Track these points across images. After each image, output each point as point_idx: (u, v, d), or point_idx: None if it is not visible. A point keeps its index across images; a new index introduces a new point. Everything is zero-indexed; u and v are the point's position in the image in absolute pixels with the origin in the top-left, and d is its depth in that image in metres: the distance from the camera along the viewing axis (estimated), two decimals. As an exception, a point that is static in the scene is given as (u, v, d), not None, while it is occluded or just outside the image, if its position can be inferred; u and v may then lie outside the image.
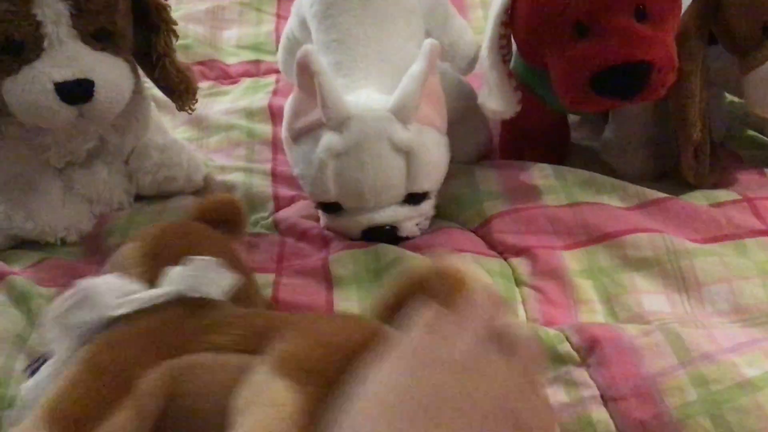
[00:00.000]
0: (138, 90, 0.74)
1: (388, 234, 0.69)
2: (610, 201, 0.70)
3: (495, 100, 0.72)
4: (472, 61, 0.86)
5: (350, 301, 0.63)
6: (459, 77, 0.81)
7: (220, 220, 0.59)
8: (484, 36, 0.72)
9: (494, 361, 0.33)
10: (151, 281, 0.47)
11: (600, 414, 0.51)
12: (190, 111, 0.77)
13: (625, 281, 0.62)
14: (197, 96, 0.77)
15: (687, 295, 0.61)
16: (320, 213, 0.72)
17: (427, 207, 0.70)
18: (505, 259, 0.67)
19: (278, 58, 0.90)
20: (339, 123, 0.65)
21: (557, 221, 0.68)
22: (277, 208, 0.78)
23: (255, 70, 1.07)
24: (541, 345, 0.36)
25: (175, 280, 0.45)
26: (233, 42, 1.13)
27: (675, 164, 0.74)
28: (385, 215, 0.68)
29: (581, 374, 0.53)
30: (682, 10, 0.68)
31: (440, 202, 0.73)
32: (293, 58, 0.83)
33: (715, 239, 0.65)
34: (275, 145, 0.88)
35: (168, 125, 0.89)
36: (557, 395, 0.52)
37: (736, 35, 0.68)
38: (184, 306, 0.45)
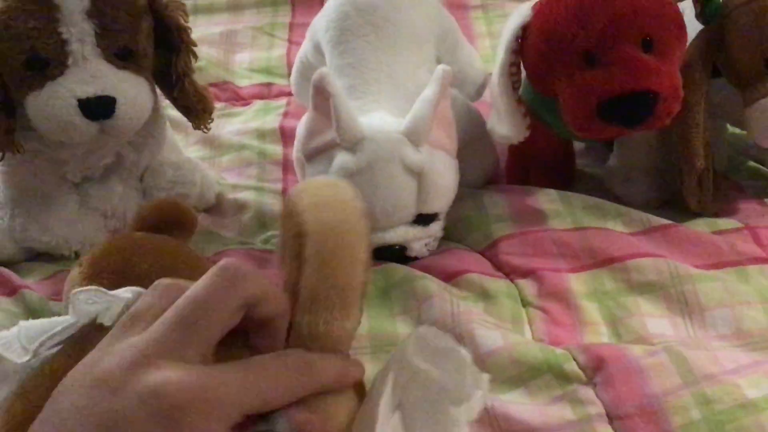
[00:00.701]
0: (155, 108, 0.76)
1: (398, 254, 0.70)
2: (615, 226, 0.72)
3: (504, 126, 0.74)
4: (481, 88, 0.88)
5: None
6: (468, 103, 0.83)
7: (166, 225, 0.60)
8: (495, 63, 0.75)
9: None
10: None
11: (605, 432, 0.52)
12: (206, 130, 0.79)
13: (630, 304, 0.64)
14: (213, 116, 0.79)
15: (690, 319, 0.62)
16: (331, 232, 0.74)
17: (436, 228, 0.72)
18: (512, 281, 0.68)
19: (291, 81, 0.93)
20: (352, 144, 0.67)
21: (563, 245, 0.70)
22: (288, 227, 0.80)
23: (266, 92, 1.09)
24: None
25: (70, 311, 0.42)
26: (245, 65, 1.15)
27: (678, 192, 0.75)
28: (395, 235, 0.69)
29: (587, 393, 0.54)
30: (687, 43, 0.70)
31: (448, 224, 0.74)
32: (306, 81, 0.86)
33: (717, 265, 0.67)
34: (286, 166, 0.90)
35: (180, 144, 0.91)
36: (564, 413, 0.53)
37: (739, 68, 0.70)
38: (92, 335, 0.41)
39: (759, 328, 0.60)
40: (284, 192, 0.85)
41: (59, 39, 0.65)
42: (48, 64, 0.66)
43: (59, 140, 0.70)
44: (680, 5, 0.70)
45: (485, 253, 0.72)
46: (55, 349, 0.40)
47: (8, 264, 0.73)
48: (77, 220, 0.76)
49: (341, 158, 0.67)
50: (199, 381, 0.30)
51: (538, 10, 0.69)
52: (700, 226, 0.72)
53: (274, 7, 1.29)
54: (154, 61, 0.74)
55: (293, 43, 1.19)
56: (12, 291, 0.68)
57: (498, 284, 0.67)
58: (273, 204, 0.83)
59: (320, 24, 0.81)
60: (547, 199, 0.75)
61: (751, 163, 0.84)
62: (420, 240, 0.71)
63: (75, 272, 0.54)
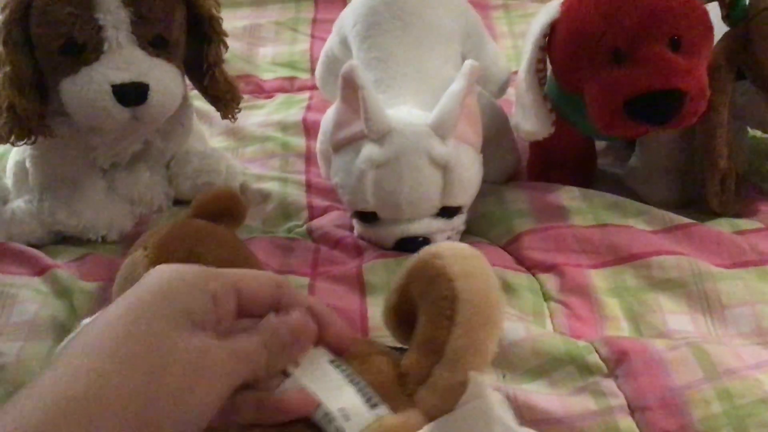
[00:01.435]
0: (184, 97, 0.77)
1: (421, 245, 0.68)
2: (637, 224, 0.72)
3: (530, 122, 0.74)
4: (504, 86, 0.89)
5: (381, 308, 0.65)
6: (492, 100, 0.84)
7: (220, 214, 0.61)
8: (522, 60, 0.75)
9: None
10: None
11: (627, 423, 0.52)
12: (233, 120, 0.80)
13: (651, 301, 0.64)
14: (241, 105, 0.80)
15: (711, 316, 0.63)
16: (354, 222, 0.75)
17: (459, 221, 0.73)
18: (534, 275, 0.69)
19: (317, 75, 0.94)
20: (380, 135, 0.68)
21: (585, 241, 0.71)
22: (311, 218, 0.81)
23: (289, 86, 1.11)
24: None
25: None
26: (269, 59, 1.16)
27: (699, 193, 0.76)
28: (419, 227, 0.70)
29: (609, 384, 0.55)
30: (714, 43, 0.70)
31: (470, 219, 0.75)
32: (331, 75, 0.87)
33: (738, 264, 0.67)
34: (309, 157, 0.91)
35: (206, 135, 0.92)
36: (586, 403, 0.54)
37: (764, 71, 0.71)
38: None
39: (779, 326, 0.61)
40: (307, 183, 0.86)
41: (95, 25, 0.67)
42: (83, 49, 0.67)
43: (91, 126, 0.71)
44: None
45: (507, 248, 0.73)
46: None
47: (36, 247, 0.75)
48: (104, 206, 0.77)
49: (368, 149, 0.68)
50: None
51: (567, 8, 0.70)
52: (722, 226, 0.72)
53: (297, 2, 1.30)
54: (184, 51, 0.75)
55: (316, 38, 1.20)
56: (41, 271, 0.69)
57: (520, 278, 0.68)
58: (296, 195, 0.84)
59: (348, 18, 0.82)
60: (568, 197, 0.76)
61: (771, 167, 0.85)
62: (443, 232, 0.71)
63: (139, 254, 0.55)
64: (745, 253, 0.68)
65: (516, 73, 0.81)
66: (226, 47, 0.76)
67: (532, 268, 0.70)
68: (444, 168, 0.68)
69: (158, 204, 0.81)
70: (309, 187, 0.85)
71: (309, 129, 0.96)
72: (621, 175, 0.84)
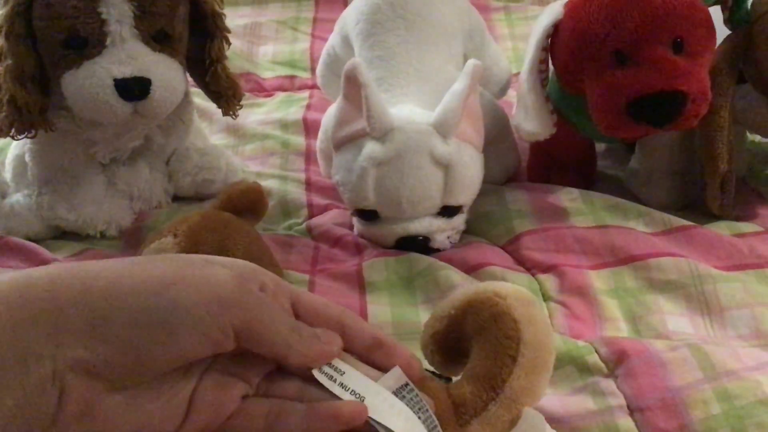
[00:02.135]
0: (185, 93, 0.77)
1: (421, 244, 0.71)
2: (637, 226, 0.72)
3: (531, 122, 0.75)
4: (505, 87, 0.89)
5: (382, 306, 0.65)
6: (494, 100, 0.84)
7: (244, 208, 0.61)
8: (525, 60, 0.75)
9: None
10: None
11: (626, 423, 0.52)
12: (234, 116, 0.80)
13: (650, 302, 0.64)
14: (241, 103, 0.80)
15: (710, 318, 0.63)
16: (355, 220, 0.75)
17: (460, 221, 0.73)
18: (533, 275, 0.69)
19: (318, 73, 0.94)
20: (382, 133, 0.68)
21: (584, 242, 0.71)
22: (311, 216, 0.81)
23: (289, 85, 1.11)
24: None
25: None
26: (269, 57, 1.16)
27: (699, 195, 0.76)
28: (419, 226, 0.70)
29: (609, 384, 0.55)
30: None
31: (470, 219, 0.75)
32: (333, 74, 0.87)
33: (737, 267, 0.67)
34: (308, 156, 0.91)
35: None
36: (585, 403, 0.54)
37: (766, 73, 0.71)
38: None
39: (778, 329, 0.61)
40: (307, 181, 0.86)
41: (99, 19, 0.67)
42: (86, 43, 0.67)
43: (92, 120, 0.71)
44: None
45: (507, 248, 0.73)
46: None
47: (35, 241, 0.74)
48: (104, 201, 0.77)
49: (370, 147, 0.68)
50: None
51: (570, 9, 0.70)
52: (721, 229, 0.73)
53: (298, 1, 1.31)
54: (187, 47, 0.75)
55: (316, 37, 1.20)
56: (40, 265, 0.69)
57: (519, 278, 0.68)
58: (296, 193, 0.84)
59: (350, 16, 0.82)
60: (568, 198, 0.76)
61: (770, 171, 0.85)
62: (444, 232, 0.71)
63: (168, 240, 0.55)
64: (744, 256, 0.68)
65: (517, 74, 0.82)
66: (229, 44, 0.76)
67: (531, 268, 0.70)
68: (445, 167, 0.68)
69: (157, 200, 0.81)
70: (309, 185, 0.85)
71: (309, 128, 0.96)
72: (622, 177, 0.85)
